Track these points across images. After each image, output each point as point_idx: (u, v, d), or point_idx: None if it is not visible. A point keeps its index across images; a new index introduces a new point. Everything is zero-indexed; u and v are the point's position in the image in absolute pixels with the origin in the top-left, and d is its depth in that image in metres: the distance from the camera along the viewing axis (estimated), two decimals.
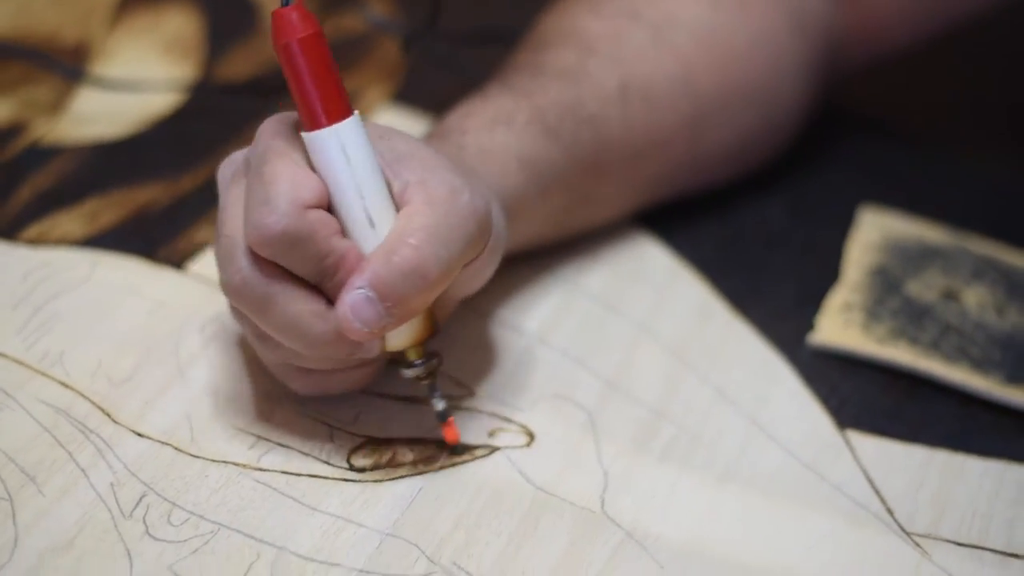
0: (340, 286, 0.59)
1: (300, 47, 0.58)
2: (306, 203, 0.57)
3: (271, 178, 0.57)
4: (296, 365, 0.63)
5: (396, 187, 0.60)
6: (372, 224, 0.59)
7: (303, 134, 0.59)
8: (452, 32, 0.89)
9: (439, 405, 0.63)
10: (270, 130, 0.60)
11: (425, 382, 0.63)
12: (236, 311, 0.62)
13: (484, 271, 0.64)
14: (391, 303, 0.58)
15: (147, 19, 0.91)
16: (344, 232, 0.59)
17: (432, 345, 0.63)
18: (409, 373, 0.62)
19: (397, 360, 0.63)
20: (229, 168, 0.62)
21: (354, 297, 0.58)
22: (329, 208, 0.59)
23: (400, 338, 0.61)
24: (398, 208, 0.60)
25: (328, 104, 0.58)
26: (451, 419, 0.64)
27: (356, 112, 0.59)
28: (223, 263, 0.59)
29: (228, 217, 0.60)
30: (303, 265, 0.58)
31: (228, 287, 0.59)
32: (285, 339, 0.59)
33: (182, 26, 0.90)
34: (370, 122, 0.62)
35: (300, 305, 0.59)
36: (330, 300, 0.59)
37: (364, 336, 0.59)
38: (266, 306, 0.59)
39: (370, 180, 0.59)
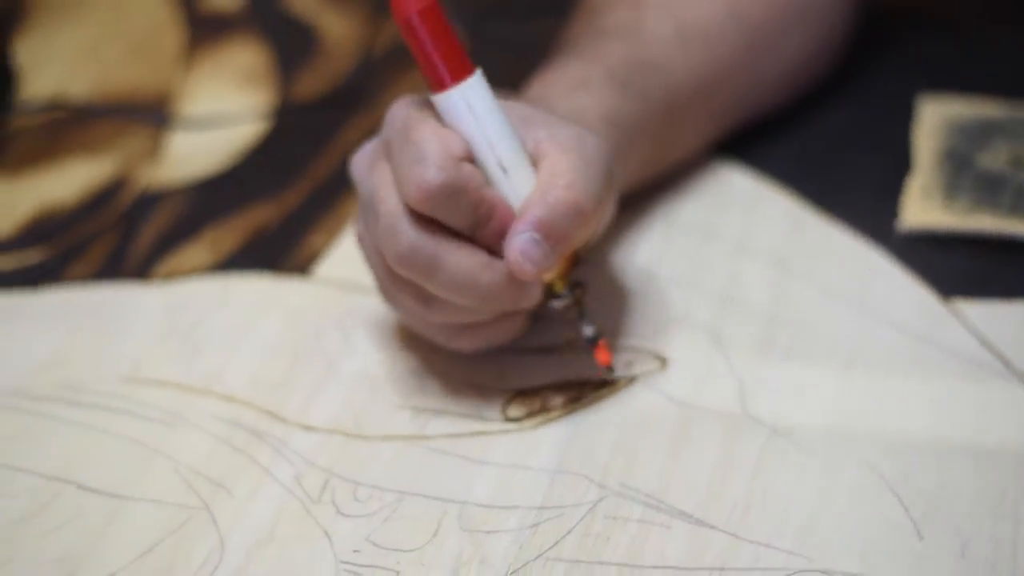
0: (492, 234, 0.63)
1: (420, 19, 0.63)
2: (458, 156, 0.62)
3: (420, 140, 0.62)
4: (459, 324, 0.66)
5: (529, 145, 0.64)
6: (505, 171, 0.64)
7: (432, 98, 0.64)
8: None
9: (588, 331, 0.67)
10: (401, 108, 0.64)
11: (574, 311, 0.67)
12: (392, 288, 0.66)
13: (609, 209, 0.68)
14: (554, 240, 0.63)
15: (216, 58, 0.95)
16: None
17: (576, 275, 0.66)
18: (557, 304, 0.66)
19: (545, 295, 0.66)
20: (364, 159, 0.66)
21: (522, 240, 0.62)
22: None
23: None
24: (533, 162, 0.64)
25: (451, 66, 0.63)
26: (602, 341, 0.67)
27: (479, 70, 0.64)
28: (387, 238, 0.63)
29: (382, 197, 0.63)
30: (461, 216, 0.63)
31: (397, 258, 0.63)
32: (456, 295, 0.63)
33: (251, 58, 0.94)
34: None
35: (467, 259, 0.63)
36: (485, 250, 0.64)
37: (533, 275, 0.63)
38: (436, 266, 0.62)
39: (497, 130, 0.64)
